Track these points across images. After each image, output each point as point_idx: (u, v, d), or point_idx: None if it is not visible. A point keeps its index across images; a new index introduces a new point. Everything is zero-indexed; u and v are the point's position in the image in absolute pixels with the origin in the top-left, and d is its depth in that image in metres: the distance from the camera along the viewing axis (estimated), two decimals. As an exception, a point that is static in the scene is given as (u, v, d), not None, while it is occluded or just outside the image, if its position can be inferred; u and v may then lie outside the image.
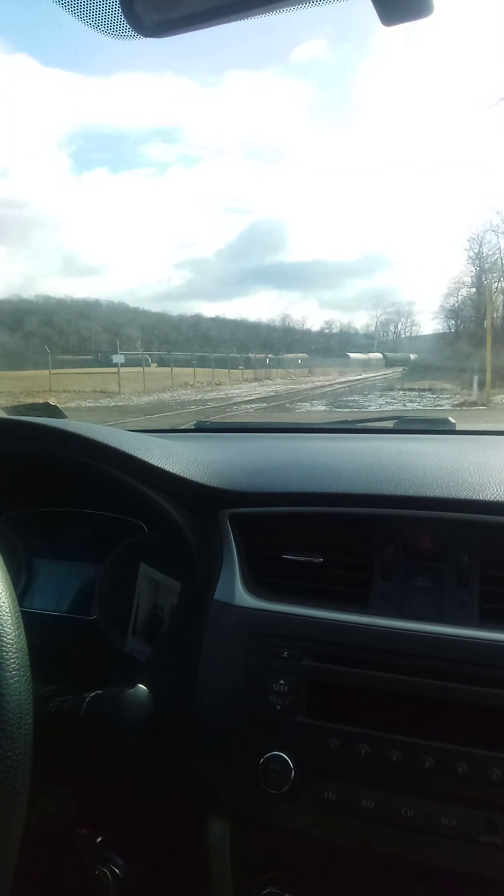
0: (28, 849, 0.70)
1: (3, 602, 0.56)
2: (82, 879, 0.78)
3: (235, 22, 0.54)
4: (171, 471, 0.91)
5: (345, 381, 26.90)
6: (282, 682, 0.75)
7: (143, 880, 0.81)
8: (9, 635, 0.54)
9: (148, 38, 0.53)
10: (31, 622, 0.72)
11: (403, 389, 18.83)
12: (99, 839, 0.79)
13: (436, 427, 1.43)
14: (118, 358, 25.85)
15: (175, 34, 0.52)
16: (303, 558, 0.84)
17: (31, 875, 0.74)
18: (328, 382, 26.48)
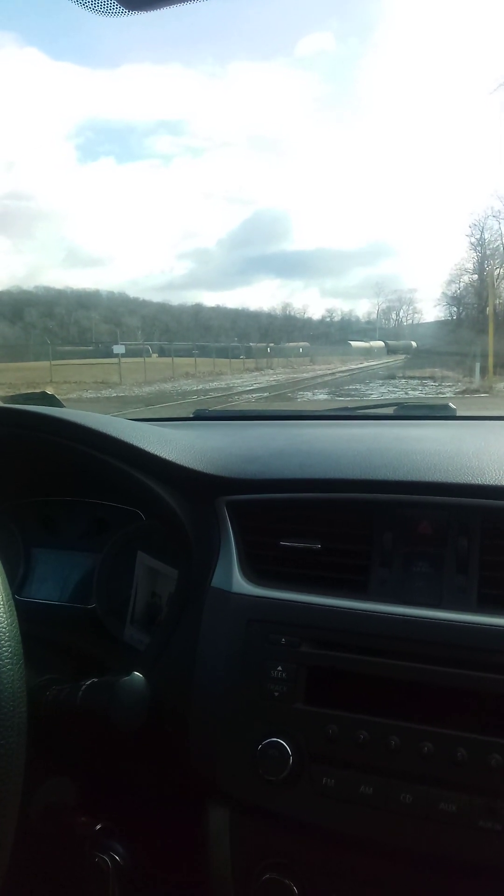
0: (28, 837, 0.70)
1: None
2: (82, 867, 0.78)
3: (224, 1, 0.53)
4: (167, 458, 0.90)
5: (346, 370, 26.84)
6: (280, 668, 0.74)
7: (143, 867, 0.81)
8: (2, 624, 0.53)
9: (134, 12, 0.52)
10: (30, 611, 0.72)
11: (405, 377, 18.79)
12: (98, 827, 0.79)
13: (436, 413, 1.42)
14: (119, 348, 25.82)
15: (162, 6, 0.51)
16: (301, 545, 0.83)
17: (31, 863, 0.74)
18: (329, 371, 26.41)
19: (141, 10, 0.50)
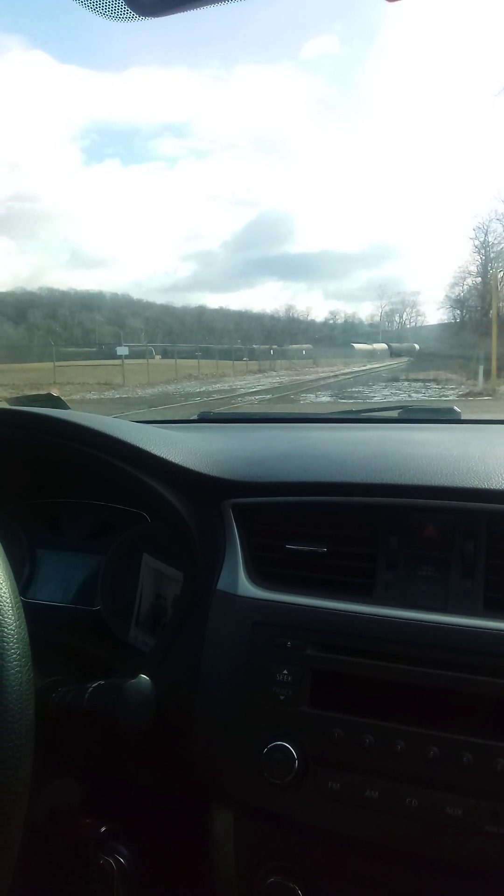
0: (32, 839, 0.70)
1: (4, 592, 0.55)
2: (87, 869, 0.78)
3: (235, 3, 0.53)
4: (173, 461, 0.90)
5: (349, 372, 26.80)
6: (285, 672, 0.74)
7: (147, 870, 0.81)
8: (9, 626, 0.53)
9: (146, 18, 0.52)
10: (35, 613, 0.72)
11: (408, 380, 18.77)
12: (103, 829, 0.79)
13: (441, 416, 1.42)
14: (122, 350, 25.82)
15: (174, 12, 0.51)
16: (306, 548, 0.83)
17: (36, 866, 0.74)
18: (332, 373, 26.36)
19: (149, 16, 0.51)
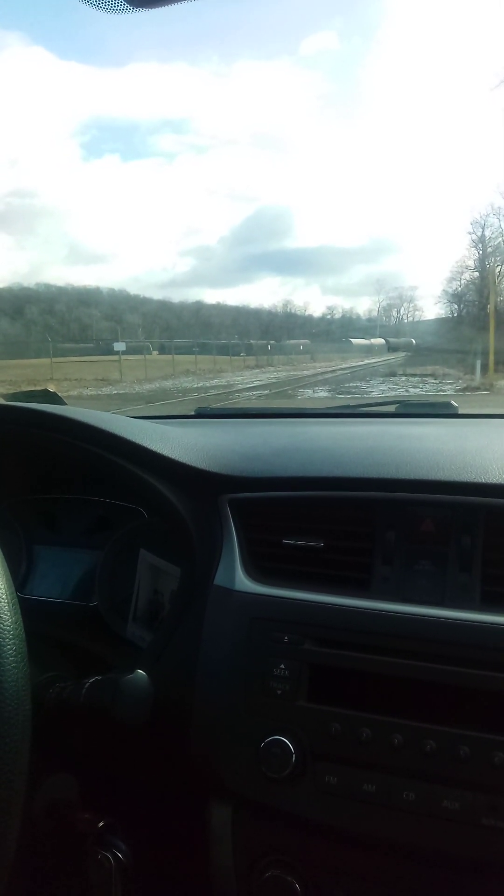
0: (30, 834, 0.70)
1: (0, 588, 0.55)
2: (85, 864, 0.79)
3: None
4: (170, 456, 0.90)
5: (347, 367, 26.82)
6: (282, 666, 0.74)
7: (145, 865, 0.81)
8: (6, 621, 0.53)
9: (139, 10, 0.52)
10: (33, 609, 0.72)
11: (406, 375, 18.77)
12: (101, 824, 0.79)
13: (438, 411, 1.42)
14: (119, 346, 25.78)
15: (165, 4, 0.50)
16: (303, 543, 0.83)
17: (34, 860, 0.74)
18: (330, 368, 26.38)
19: (145, 8, 0.50)
